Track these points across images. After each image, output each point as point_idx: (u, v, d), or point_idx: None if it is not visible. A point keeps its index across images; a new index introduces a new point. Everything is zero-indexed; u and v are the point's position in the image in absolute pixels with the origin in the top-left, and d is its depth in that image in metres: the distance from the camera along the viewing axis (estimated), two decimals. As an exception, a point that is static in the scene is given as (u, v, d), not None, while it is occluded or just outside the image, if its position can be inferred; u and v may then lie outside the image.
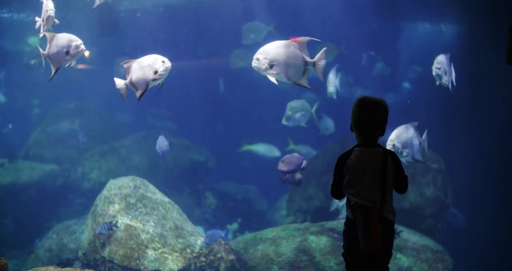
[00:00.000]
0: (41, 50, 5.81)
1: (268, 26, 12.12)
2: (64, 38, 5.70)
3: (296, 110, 9.44)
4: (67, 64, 5.75)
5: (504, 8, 9.93)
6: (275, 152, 13.09)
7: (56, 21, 5.99)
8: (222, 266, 7.81)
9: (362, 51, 15.17)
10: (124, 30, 14.55)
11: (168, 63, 5.26)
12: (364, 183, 3.43)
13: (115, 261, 7.93)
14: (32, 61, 13.41)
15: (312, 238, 8.18)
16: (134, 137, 13.94)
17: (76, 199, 12.72)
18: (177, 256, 7.98)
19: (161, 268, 7.81)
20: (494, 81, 10.91)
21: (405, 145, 6.42)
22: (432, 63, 6.68)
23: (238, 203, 14.57)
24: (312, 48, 5.25)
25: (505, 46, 4.10)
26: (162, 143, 9.42)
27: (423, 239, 8.75)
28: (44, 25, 5.95)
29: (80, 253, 8.55)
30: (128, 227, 8.21)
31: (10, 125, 19.61)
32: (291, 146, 11.93)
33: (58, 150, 13.93)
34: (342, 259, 3.68)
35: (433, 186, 9.59)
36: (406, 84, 15.38)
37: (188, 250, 8.09)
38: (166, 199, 8.99)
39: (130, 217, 8.36)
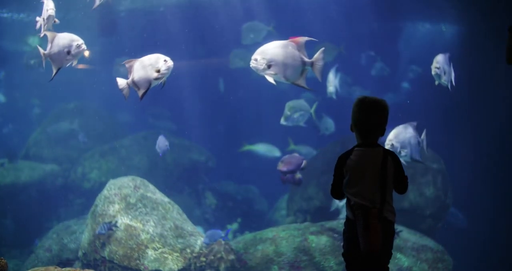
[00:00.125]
0: (41, 50, 5.77)
1: (267, 26, 12.11)
2: (65, 38, 5.67)
3: (295, 110, 9.40)
4: (68, 64, 5.74)
5: (504, 8, 9.93)
6: (275, 152, 13.09)
7: (57, 20, 5.98)
8: (222, 266, 7.81)
9: (362, 51, 15.17)
10: (124, 30, 14.54)
11: (170, 62, 5.25)
12: (364, 183, 3.43)
13: (115, 261, 7.93)
14: (32, 61, 13.41)
15: (312, 238, 8.18)
16: (134, 137, 13.93)
17: (76, 199, 12.72)
18: (177, 256, 7.98)
19: (161, 268, 7.81)
20: (494, 81, 10.91)
21: (404, 144, 6.36)
22: (432, 63, 6.67)
23: (238, 203, 14.56)
24: (311, 49, 5.24)
25: (505, 46, 4.10)
26: (162, 143, 9.41)
27: (423, 239, 8.75)
28: (44, 25, 5.94)
29: (80, 253, 8.55)
30: (128, 227, 8.21)
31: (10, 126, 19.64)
32: (292, 146, 11.93)
33: (58, 150, 13.92)
34: (342, 259, 3.68)
35: (433, 186, 9.59)
36: (406, 84, 15.37)
37: (188, 250, 8.09)
38: (166, 199, 8.98)
39: (130, 217, 8.36)
